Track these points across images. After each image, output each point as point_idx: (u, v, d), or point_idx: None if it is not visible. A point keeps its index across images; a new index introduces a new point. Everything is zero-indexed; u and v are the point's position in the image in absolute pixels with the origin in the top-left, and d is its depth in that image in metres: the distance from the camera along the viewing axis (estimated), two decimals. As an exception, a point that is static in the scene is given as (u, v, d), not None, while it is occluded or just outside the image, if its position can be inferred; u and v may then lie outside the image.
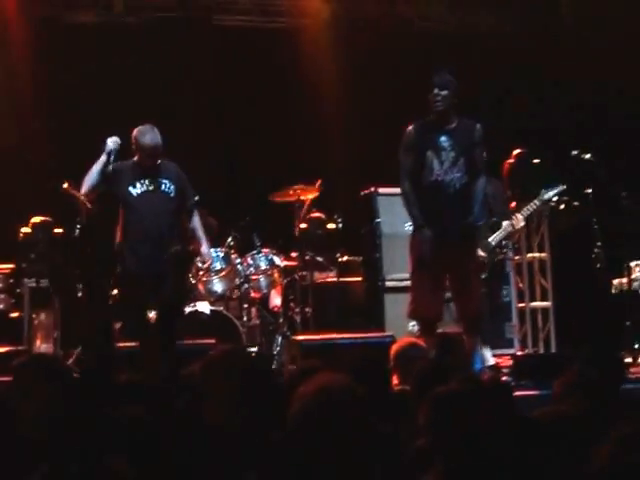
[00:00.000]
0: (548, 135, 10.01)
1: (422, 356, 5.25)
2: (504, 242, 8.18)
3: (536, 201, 8.11)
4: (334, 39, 11.30)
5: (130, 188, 7.14)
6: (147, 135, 7.13)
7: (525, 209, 8.15)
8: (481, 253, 7.71)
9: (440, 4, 11.71)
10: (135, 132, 7.18)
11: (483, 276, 7.74)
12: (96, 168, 7.08)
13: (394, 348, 5.28)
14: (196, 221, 7.46)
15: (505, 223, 8.06)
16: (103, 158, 7.07)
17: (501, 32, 11.46)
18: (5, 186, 9.81)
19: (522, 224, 8.21)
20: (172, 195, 7.23)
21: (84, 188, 7.17)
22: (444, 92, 6.83)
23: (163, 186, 7.22)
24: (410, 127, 6.96)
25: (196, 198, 7.42)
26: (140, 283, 7.03)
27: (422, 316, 7.03)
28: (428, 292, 6.89)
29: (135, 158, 7.24)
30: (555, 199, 8.48)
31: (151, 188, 7.17)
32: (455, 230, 6.85)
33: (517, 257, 9.18)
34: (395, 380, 4.94)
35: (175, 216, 7.28)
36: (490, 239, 7.97)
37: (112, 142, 7.08)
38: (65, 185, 7.29)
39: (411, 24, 11.57)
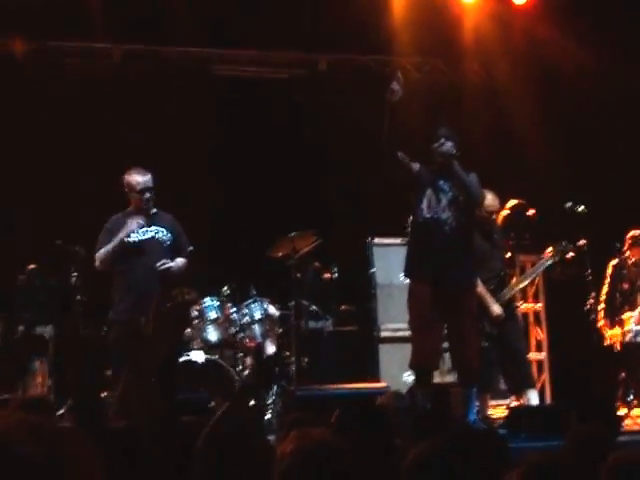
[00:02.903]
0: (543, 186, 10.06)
1: (408, 407, 5.22)
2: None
3: (549, 259, 8.12)
4: (335, 90, 11.41)
5: (127, 238, 7.16)
6: (136, 173, 7.20)
7: (532, 270, 8.23)
8: (497, 310, 7.75)
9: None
10: (125, 176, 7.23)
11: (495, 330, 7.77)
12: (112, 247, 7.10)
13: (379, 400, 5.25)
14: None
15: (514, 281, 8.13)
16: (122, 235, 7.09)
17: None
18: (2, 234, 9.85)
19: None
20: (168, 243, 7.27)
21: (100, 264, 7.21)
22: (449, 143, 6.95)
23: (159, 234, 7.26)
24: (416, 164, 7.04)
25: (190, 248, 7.44)
26: (130, 329, 7.02)
27: (418, 366, 7.03)
28: (425, 342, 6.89)
29: (130, 207, 7.29)
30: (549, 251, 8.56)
31: (147, 236, 7.21)
32: (452, 279, 6.86)
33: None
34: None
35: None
36: (503, 293, 7.96)
37: (136, 223, 7.10)
38: (59, 242, 7.37)
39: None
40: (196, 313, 8.81)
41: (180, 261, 7.32)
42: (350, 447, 2.58)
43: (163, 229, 7.27)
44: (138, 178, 7.18)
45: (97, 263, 7.27)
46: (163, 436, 3.70)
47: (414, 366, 7.05)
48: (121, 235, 7.09)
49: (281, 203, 10.69)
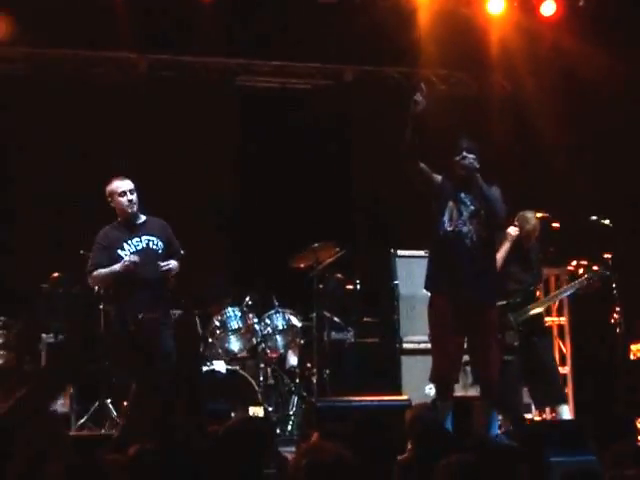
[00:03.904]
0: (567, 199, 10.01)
1: (438, 421, 5.17)
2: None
3: (582, 281, 8.05)
4: (360, 102, 11.41)
5: (119, 251, 7.15)
6: (115, 180, 7.26)
7: (570, 286, 8.18)
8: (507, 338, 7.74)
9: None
10: (105, 187, 7.28)
11: (516, 343, 7.73)
12: (110, 273, 7.11)
13: (409, 413, 5.18)
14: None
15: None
16: (117, 268, 7.07)
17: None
18: (25, 243, 9.91)
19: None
20: (160, 252, 7.24)
21: (95, 283, 7.39)
22: (472, 156, 6.91)
23: (151, 243, 7.24)
24: (439, 177, 7.00)
25: (182, 252, 7.41)
26: (131, 344, 7.02)
27: (438, 379, 6.99)
28: (445, 355, 6.85)
29: (118, 220, 7.30)
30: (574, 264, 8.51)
31: (139, 247, 7.20)
32: (473, 292, 6.82)
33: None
34: (409, 446, 4.86)
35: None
36: (529, 308, 7.91)
37: (134, 258, 7.07)
38: (83, 251, 7.44)
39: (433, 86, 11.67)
40: (218, 323, 8.82)
41: (175, 263, 7.29)
42: (363, 461, 2.56)
43: (154, 237, 7.25)
44: (117, 182, 7.24)
45: (92, 282, 7.33)
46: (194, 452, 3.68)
47: (434, 379, 7.01)
48: (117, 268, 7.06)
49: (304, 214, 10.68)
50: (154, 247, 7.23)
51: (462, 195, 6.91)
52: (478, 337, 6.85)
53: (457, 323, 6.76)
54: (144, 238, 7.22)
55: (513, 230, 7.90)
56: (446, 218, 6.88)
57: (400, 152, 6.76)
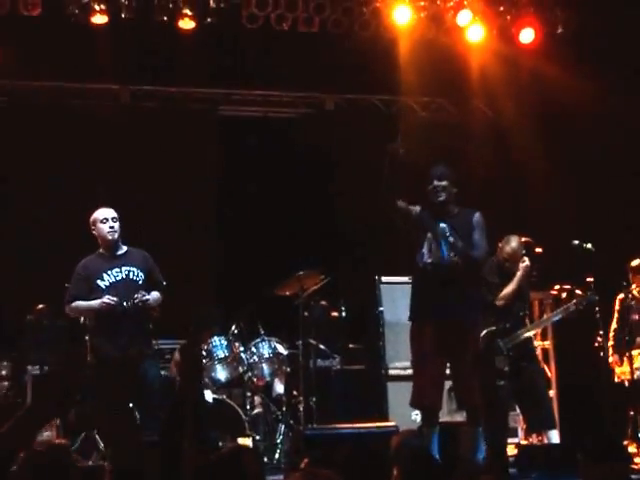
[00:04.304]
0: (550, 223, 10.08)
1: (424, 447, 5.15)
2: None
3: (571, 305, 8.09)
4: (341, 129, 11.47)
5: (98, 281, 7.18)
6: (100, 209, 7.31)
7: (561, 310, 8.21)
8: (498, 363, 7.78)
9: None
10: (92, 217, 7.33)
11: (506, 368, 7.76)
12: (88, 309, 7.19)
13: (395, 439, 5.13)
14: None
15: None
16: (95, 305, 7.11)
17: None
18: (8, 276, 9.90)
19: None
20: (140, 282, 7.25)
21: (72, 314, 7.40)
22: (443, 182, 6.92)
23: (131, 274, 7.25)
24: (417, 207, 7.02)
25: (164, 283, 7.44)
26: (112, 375, 7.03)
27: (421, 405, 7.02)
28: (428, 381, 6.87)
29: (100, 250, 7.31)
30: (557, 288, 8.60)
31: (119, 278, 7.21)
32: (453, 317, 6.83)
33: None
34: (395, 472, 4.82)
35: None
36: (519, 334, 7.94)
37: (112, 300, 7.09)
38: (67, 284, 7.46)
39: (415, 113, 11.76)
40: (204, 352, 8.81)
41: (155, 294, 7.31)
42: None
43: (134, 268, 7.27)
44: (101, 211, 7.30)
45: (70, 312, 7.35)
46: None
47: (414, 404, 7.04)
48: (96, 306, 7.10)
49: (288, 241, 10.71)
50: (134, 278, 7.24)
51: (441, 224, 6.91)
52: (461, 362, 6.87)
53: (439, 348, 6.78)
54: (124, 269, 7.23)
55: (524, 264, 7.95)
56: (425, 250, 6.90)
57: (378, 191, 6.77)
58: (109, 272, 7.19)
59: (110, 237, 7.24)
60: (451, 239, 6.82)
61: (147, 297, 7.16)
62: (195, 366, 7.80)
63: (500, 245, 7.99)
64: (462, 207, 7.06)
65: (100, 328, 7.21)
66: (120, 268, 7.22)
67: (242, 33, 10.18)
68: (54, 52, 9.92)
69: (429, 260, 6.87)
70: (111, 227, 7.24)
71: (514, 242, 8.00)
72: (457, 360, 6.87)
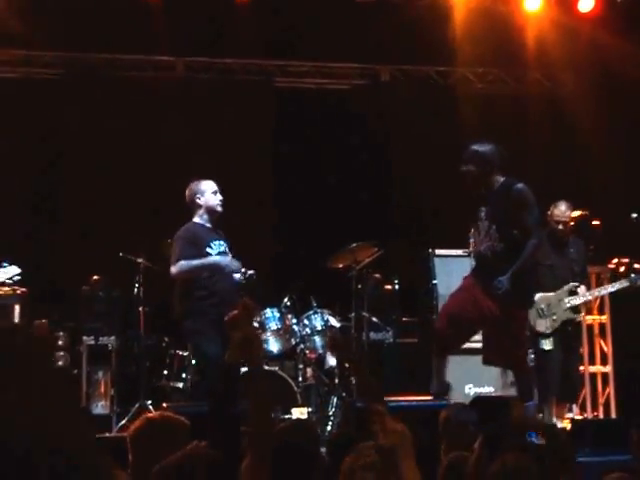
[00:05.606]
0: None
1: (474, 421, 5.07)
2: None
3: (625, 282, 7.97)
4: (397, 101, 11.38)
5: (208, 249, 7.20)
6: (204, 180, 7.29)
7: (610, 286, 8.10)
8: (539, 326, 7.69)
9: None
10: (191, 185, 7.29)
11: (547, 347, 7.66)
12: (200, 266, 7.12)
13: (442, 413, 5.07)
14: None
15: (582, 290, 7.95)
16: (211, 261, 7.13)
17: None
18: (66, 246, 10.01)
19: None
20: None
21: (179, 274, 7.14)
22: (468, 167, 6.74)
23: (226, 249, 7.32)
24: None
25: None
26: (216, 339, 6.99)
27: (437, 334, 6.97)
28: (451, 317, 6.80)
29: (196, 219, 7.31)
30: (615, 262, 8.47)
31: (222, 250, 7.26)
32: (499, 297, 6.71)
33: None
34: (443, 446, 4.77)
35: None
36: (566, 301, 7.83)
37: (235, 264, 7.19)
38: (122, 253, 7.45)
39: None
40: (256, 324, 8.82)
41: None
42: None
43: (226, 244, 7.34)
44: (210, 183, 7.30)
45: (176, 271, 7.15)
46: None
47: (432, 333, 7.03)
48: (222, 263, 7.16)
49: (343, 214, 10.68)
50: (227, 251, 7.31)
51: (482, 211, 6.79)
52: (499, 340, 6.78)
53: (476, 312, 6.68)
54: (222, 242, 7.30)
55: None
56: (472, 240, 6.87)
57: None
58: (214, 243, 7.23)
59: (220, 209, 7.29)
60: (486, 222, 6.69)
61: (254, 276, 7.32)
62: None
63: (549, 212, 7.86)
64: (506, 179, 6.78)
65: (212, 281, 7.14)
66: (220, 241, 7.28)
67: (297, 4, 10.14)
68: (110, 24, 9.98)
69: (474, 249, 6.88)
70: (221, 200, 7.27)
71: (563, 205, 7.86)
72: (496, 337, 6.78)
